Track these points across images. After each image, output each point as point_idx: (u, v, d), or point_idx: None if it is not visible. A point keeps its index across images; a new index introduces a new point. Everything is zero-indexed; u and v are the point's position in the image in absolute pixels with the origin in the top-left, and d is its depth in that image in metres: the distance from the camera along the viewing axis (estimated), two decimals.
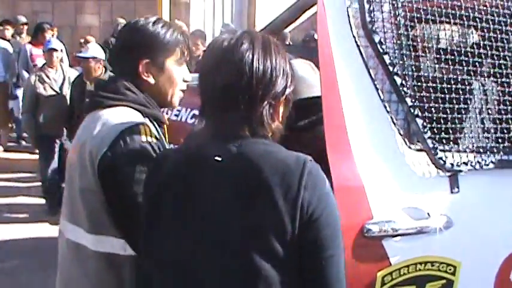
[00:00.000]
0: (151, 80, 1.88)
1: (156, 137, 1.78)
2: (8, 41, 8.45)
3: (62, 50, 6.65)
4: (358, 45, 1.84)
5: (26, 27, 9.08)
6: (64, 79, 6.05)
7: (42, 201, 6.03)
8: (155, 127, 1.88)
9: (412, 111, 1.82)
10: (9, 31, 8.55)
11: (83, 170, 1.77)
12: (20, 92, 7.70)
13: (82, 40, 8.53)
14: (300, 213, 1.35)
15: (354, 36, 1.84)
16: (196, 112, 3.82)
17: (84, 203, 1.79)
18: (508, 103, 1.97)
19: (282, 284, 1.35)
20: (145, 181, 1.56)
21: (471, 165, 1.86)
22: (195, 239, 1.42)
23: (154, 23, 1.92)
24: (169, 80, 1.92)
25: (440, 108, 1.86)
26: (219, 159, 1.40)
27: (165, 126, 2.00)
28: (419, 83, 1.86)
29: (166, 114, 2.12)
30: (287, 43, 8.18)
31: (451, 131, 1.87)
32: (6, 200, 6.24)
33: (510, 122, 1.96)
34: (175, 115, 3.82)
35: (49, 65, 6.07)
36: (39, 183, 6.14)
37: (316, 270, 1.38)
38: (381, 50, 1.82)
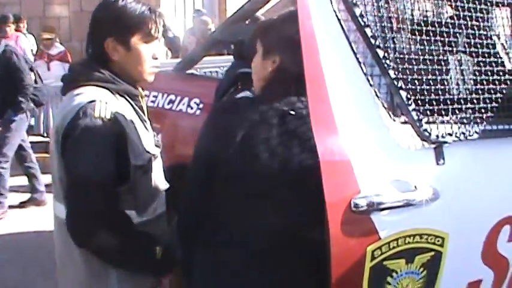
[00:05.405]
0: (117, 58, 1.93)
1: (111, 112, 1.83)
2: None
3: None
4: (339, 19, 1.81)
5: None
6: None
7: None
8: (128, 100, 1.94)
9: (396, 83, 1.81)
10: None
11: (54, 146, 1.88)
12: None
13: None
14: None
15: (334, 11, 1.82)
16: (173, 97, 3.79)
17: (59, 176, 1.89)
18: (489, 73, 1.97)
19: None
20: (225, 125, 1.80)
21: (456, 136, 1.85)
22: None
23: (124, 0, 1.94)
24: (136, 58, 1.95)
25: (424, 80, 1.85)
26: (293, 113, 1.74)
27: (140, 98, 2.04)
28: (401, 56, 1.85)
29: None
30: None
31: (435, 103, 1.86)
32: None
33: (492, 92, 1.96)
34: (152, 101, 3.77)
35: None
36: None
37: None
38: (362, 23, 1.80)
